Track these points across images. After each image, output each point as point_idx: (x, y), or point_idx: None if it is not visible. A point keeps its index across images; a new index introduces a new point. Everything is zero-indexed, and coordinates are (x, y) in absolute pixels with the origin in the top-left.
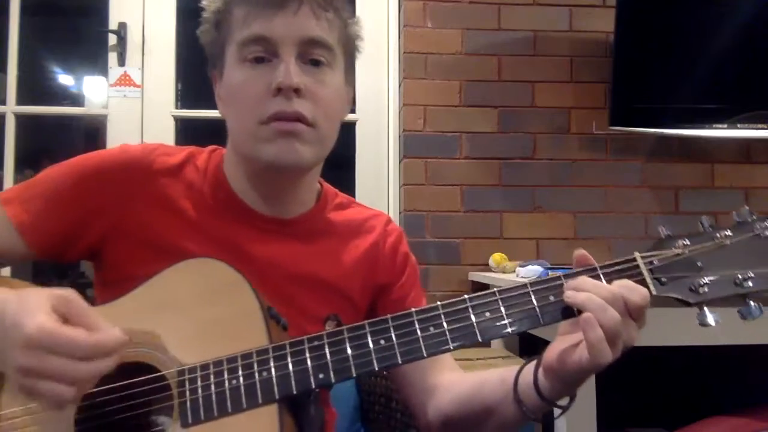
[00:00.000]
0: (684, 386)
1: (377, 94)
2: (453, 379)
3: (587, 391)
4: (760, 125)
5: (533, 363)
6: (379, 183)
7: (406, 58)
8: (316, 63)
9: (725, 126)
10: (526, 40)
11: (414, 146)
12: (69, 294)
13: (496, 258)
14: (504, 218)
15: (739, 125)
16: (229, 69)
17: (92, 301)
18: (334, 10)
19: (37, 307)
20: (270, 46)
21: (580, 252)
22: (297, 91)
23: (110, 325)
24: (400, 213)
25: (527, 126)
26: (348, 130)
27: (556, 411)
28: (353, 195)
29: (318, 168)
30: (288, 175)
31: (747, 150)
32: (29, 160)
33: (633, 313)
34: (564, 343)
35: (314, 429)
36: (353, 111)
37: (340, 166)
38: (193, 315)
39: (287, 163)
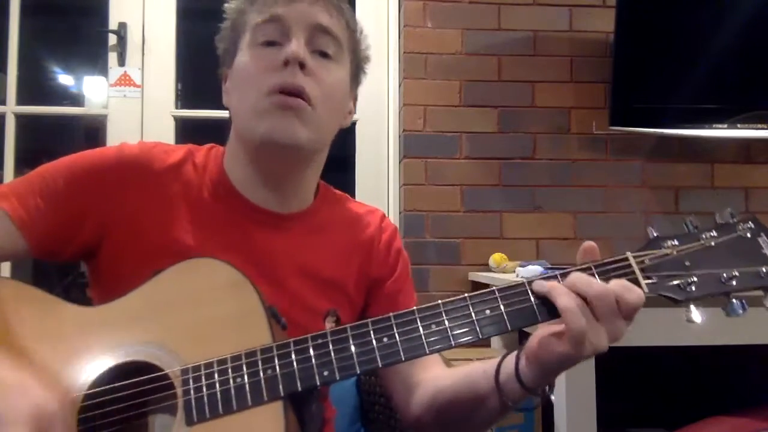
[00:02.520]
0: (684, 386)
1: (377, 94)
2: (437, 374)
3: (587, 391)
4: (760, 125)
5: (515, 353)
6: (379, 183)
7: (406, 58)
8: (324, 55)
9: (725, 126)
10: (526, 40)
11: (414, 146)
12: (53, 414)
13: (496, 258)
14: (504, 218)
15: (739, 125)
16: (240, 55)
17: (89, 302)
18: (346, 19)
19: (15, 420)
20: (282, 27)
21: (590, 245)
22: (303, 67)
23: None
24: (400, 213)
25: (527, 126)
26: (348, 130)
27: (535, 400)
28: (353, 195)
29: (319, 165)
30: (283, 155)
31: (747, 150)
32: (29, 160)
33: (625, 312)
34: (547, 330)
35: (316, 425)
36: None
37: (340, 166)
38: (195, 314)
39: (281, 138)
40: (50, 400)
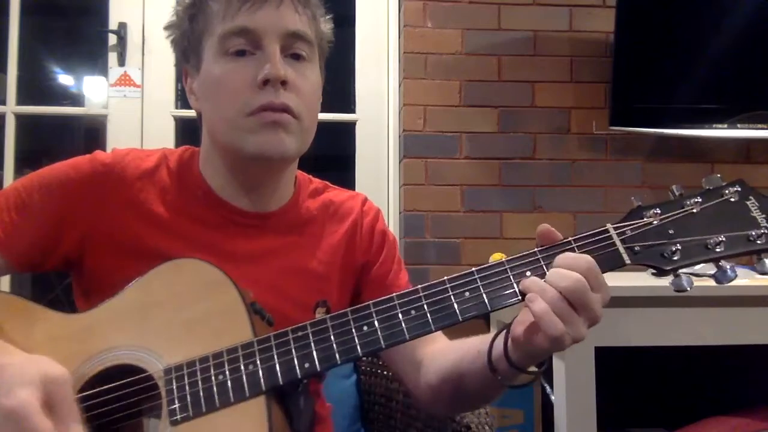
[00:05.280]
0: (684, 386)
1: (377, 94)
2: (436, 351)
3: (587, 391)
4: (760, 125)
5: (503, 334)
6: (379, 183)
7: (406, 58)
8: (297, 57)
9: (725, 126)
10: (526, 40)
11: (414, 146)
12: (61, 378)
13: (496, 258)
14: (504, 218)
15: (739, 125)
16: (209, 62)
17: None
18: (311, 8)
19: (25, 382)
20: (254, 39)
21: (545, 227)
22: (284, 84)
23: (81, 427)
24: (400, 213)
25: (527, 126)
26: (348, 130)
27: (529, 377)
28: None
29: (296, 162)
30: (271, 166)
31: (747, 150)
32: (29, 160)
33: (596, 287)
34: (529, 319)
35: (304, 420)
36: (353, 111)
37: (340, 166)
38: (177, 315)
39: (272, 154)
40: (59, 367)
